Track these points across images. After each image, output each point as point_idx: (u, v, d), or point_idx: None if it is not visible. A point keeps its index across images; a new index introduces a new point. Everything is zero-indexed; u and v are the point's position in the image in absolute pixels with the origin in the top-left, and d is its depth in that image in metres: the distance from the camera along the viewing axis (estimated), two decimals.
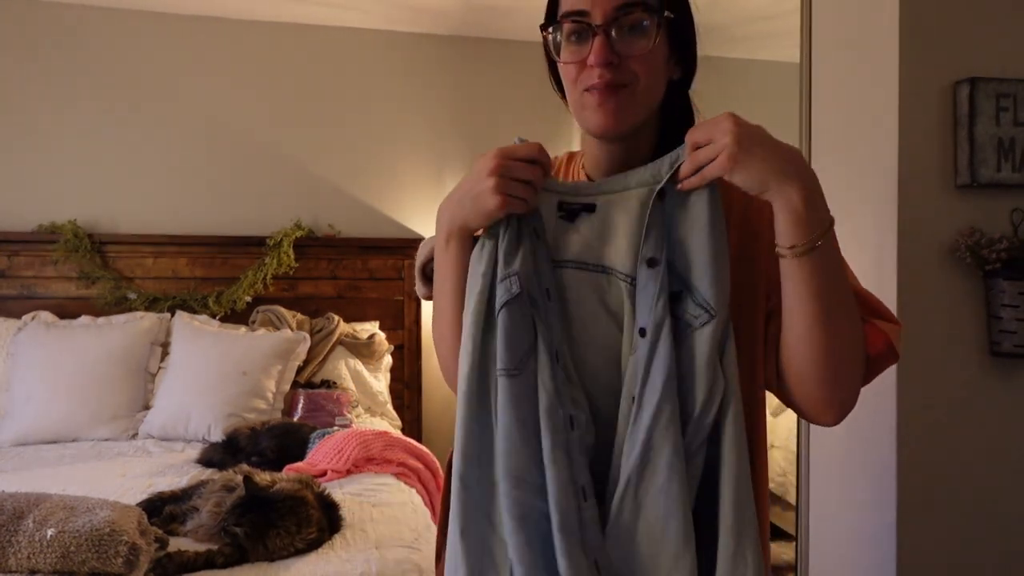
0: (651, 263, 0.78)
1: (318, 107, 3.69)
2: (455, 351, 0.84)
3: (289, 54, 3.66)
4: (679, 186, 0.79)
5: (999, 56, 1.66)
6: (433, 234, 0.94)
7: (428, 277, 0.93)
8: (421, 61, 3.79)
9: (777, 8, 3.36)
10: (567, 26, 0.85)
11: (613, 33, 0.82)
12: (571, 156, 1.01)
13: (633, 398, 0.77)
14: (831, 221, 0.78)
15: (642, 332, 0.77)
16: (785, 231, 0.76)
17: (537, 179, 0.80)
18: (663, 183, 0.80)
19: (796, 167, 0.75)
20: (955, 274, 1.65)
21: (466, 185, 0.82)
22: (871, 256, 1.69)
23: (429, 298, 0.96)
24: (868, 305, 0.87)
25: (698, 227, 0.79)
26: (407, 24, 3.70)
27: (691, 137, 0.78)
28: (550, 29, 0.87)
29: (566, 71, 0.87)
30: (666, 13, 0.84)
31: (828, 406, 0.84)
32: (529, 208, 0.80)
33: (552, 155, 0.98)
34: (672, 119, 0.91)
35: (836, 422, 0.86)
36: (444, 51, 3.81)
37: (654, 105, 0.87)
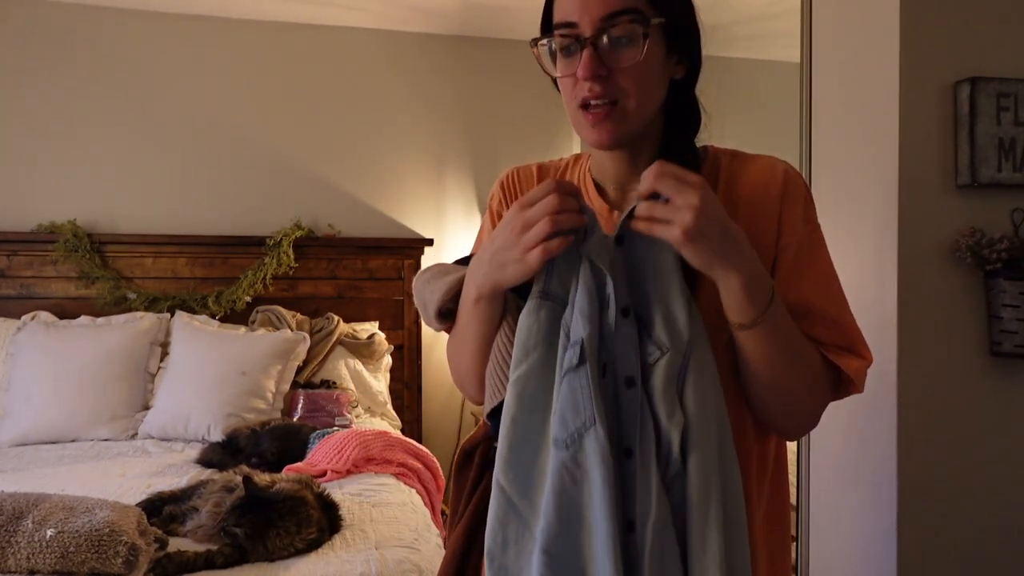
0: (625, 312, 0.78)
1: (318, 107, 3.69)
2: (474, 376, 0.89)
3: (289, 54, 3.66)
4: (631, 223, 0.76)
5: (1000, 56, 1.66)
6: (435, 260, 0.93)
7: (442, 314, 0.92)
8: (421, 61, 3.79)
9: (777, 8, 3.36)
10: (558, 39, 0.83)
11: (603, 43, 0.80)
12: (577, 159, 1.00)
13: (629, 450, 0.76)
14: (771, 296, 0.78)
15: (630, 382, 0.77)
16: (729, 309, 0.79)
17: (567, 217, 0.75)
18: (619, 228, 0.79)
19: (739, 252, 0.76)
20: (956, 274, 1.65)
21: (498, 245, 0.78)
22: (871, 256, 1.69)
23: (444, 330, 0.95)
24: (844, 338, 0.87)
25: (650, 268, 0.79)
26: (407, 24, 3.69)
27: (655, 182, 0.74)
28: (543, 41, 0.85)
29: (562, 84, 0.86)
30: (655, 21, 0.81)
31: (787, 431, 0.91)
32: (568, 243, 0.75)
33: (556, 157, 0.97)
34: (676, 119, 0.89)
35: (796, 439, 0.90)
36: (444, 51, 3.81)
37: (652, 112, 0.86)
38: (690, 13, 0.87)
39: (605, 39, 0.80)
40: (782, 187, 0.87)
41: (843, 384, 0.87)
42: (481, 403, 0.90)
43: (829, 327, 0.86)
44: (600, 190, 0.93)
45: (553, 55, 0.84)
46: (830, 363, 0.86)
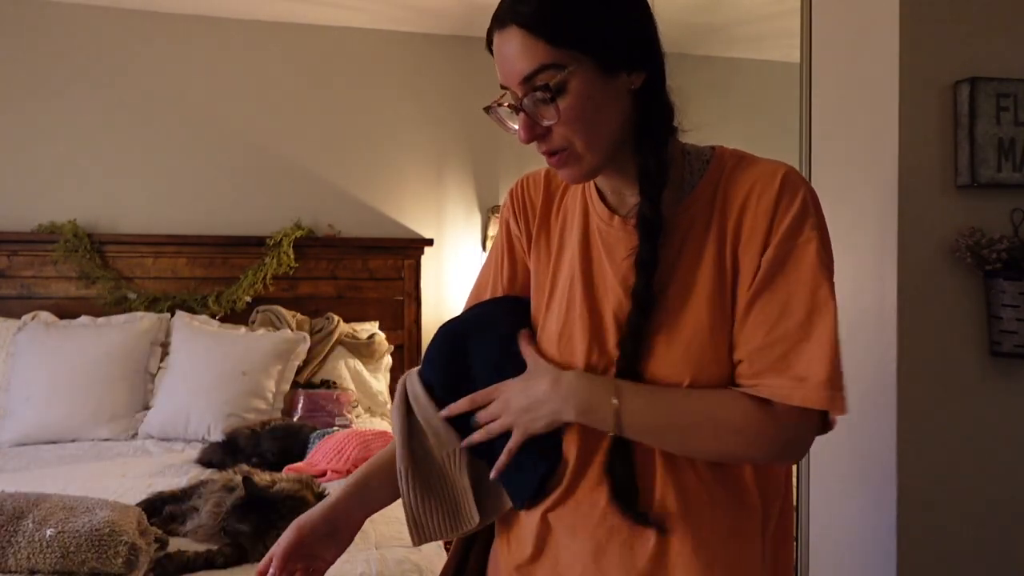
0: None
1: (318, 107, 3.69)
2: None
3: (289, 54, 3.66)
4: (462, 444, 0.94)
5: (999, 56, 1.66)
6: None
7: None
8: (422, 61, 3.79)
9: (777, 8, 3.36)
10: (504, 104, 0.85)
11: (530, 103, 0.81)
12: None
13: None
14: (615, 408, 0.83)
15: None
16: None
17: None
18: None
19: (560, 398, 0.86)
20: (955, 274, 1.65)
21: None
22: (871, 256, 1.69)
23: None
24: (789, 363, 0.79)
25: None
26: (408, 24, 3.69)
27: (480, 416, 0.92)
28: (494, 107, 0.87)
29: None
30: (570, 68, 0.78)
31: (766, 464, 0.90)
32: None
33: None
34: (647, 123, 0.85)
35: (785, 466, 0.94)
36: (445, 51, 3.81)
37: (610, 139, 0.83)
38: (628, 23, 0.82)
39: (529, 101, 0.81)
40: (776, 197, 0.81)
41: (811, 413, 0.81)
42: None
43: (777, 356, 0.79)
44: (603, 197, 0.94)
45: (513, 109, 0.85)
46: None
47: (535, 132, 0.82)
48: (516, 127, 0.85)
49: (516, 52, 0.80)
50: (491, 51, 0.86)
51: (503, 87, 0.84)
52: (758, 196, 0.83)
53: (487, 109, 0.88)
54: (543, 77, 0.79)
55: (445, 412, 0.94)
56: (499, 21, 0.83)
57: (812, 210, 0.82)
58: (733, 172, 0.86)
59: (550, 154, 0.84)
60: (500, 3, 0.84)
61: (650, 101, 0.85)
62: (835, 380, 0.77)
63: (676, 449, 0.84)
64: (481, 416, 0.91)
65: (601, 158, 0.84)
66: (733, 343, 0.83)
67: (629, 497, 0.84)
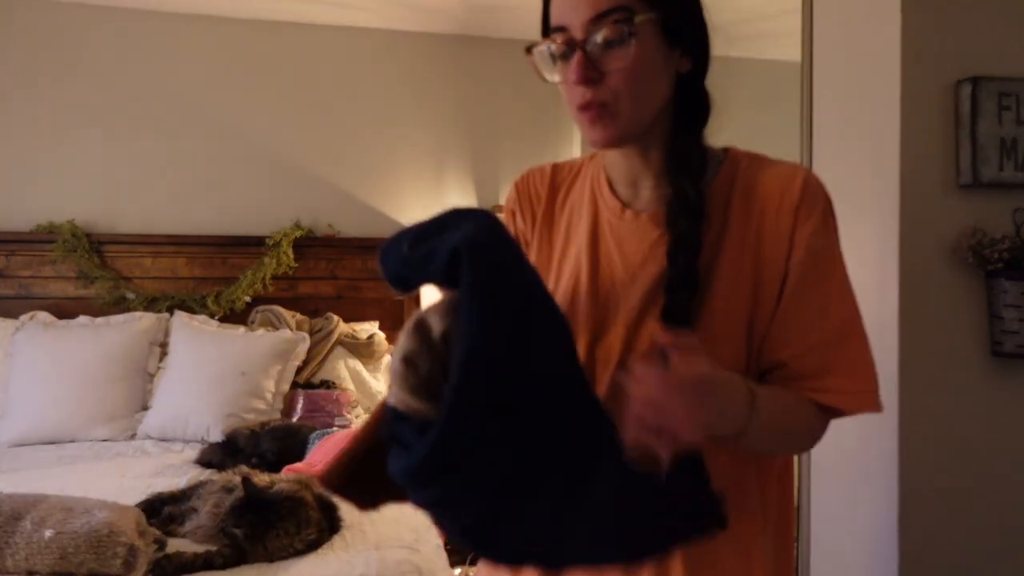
0: None
1: (318, 107, 3.68)
2: None
3: (289, 54, 3.66)
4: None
5: (1001, 55, 1.65)
6: None
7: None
8: (422, 60, 3.79)
9: (777, 8, 3.36)
10: (554, 44, 0.83)
11: (594, 45, 0.80)
12: (592, 157, 0.99)
13: None
14: (747, 416, 0.75)
15: None
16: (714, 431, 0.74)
17: None
18: None
19: (721, 409, 0.73)
20: (957, 274, 1.64)
21: None
22: (873, 256, 1.69)
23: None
24: (833, 362, 0.83)
25: None
26: (408, 23, 3.69)
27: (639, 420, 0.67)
28: (540, 46, 0.84)
29: (561, 88, 0.86)
30: (640, 18, 0.79)
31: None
32: None
33: (554, 156, 0.97)
34: (684, 113, 0.87)
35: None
36: (445, 50, 3.81)
37: (652, 110, 0.84)
38: (692, 4, 0.86)
39: (595, 41, 0.80)
40: (799, 199, 0.83)
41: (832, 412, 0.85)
42: None
43: (821, 356, 0.83)
44: (612, 187, 0.92)
45: (554, 58, 0.84)
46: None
47: (589, 75, 0.80)
48: (552, 77, 0.84)
49: None
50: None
51: (557, 29, 0.82)
52: (779, 197, 0.84)
53: (528, 49, 0.85)
54: (618, 16, 0.79)
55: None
56: None
57: (832, 212, 0.86)
58: (750, 170, 0.87)
59: (590, 107, 0.82)
60: None
61: (690, 92, 0.87)
62: (877, 382, 0.84)
63: (766, 448, 0.84)
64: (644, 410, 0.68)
65: (638, 126, 0.84)
66: (768, 343, 0.84)
67: None
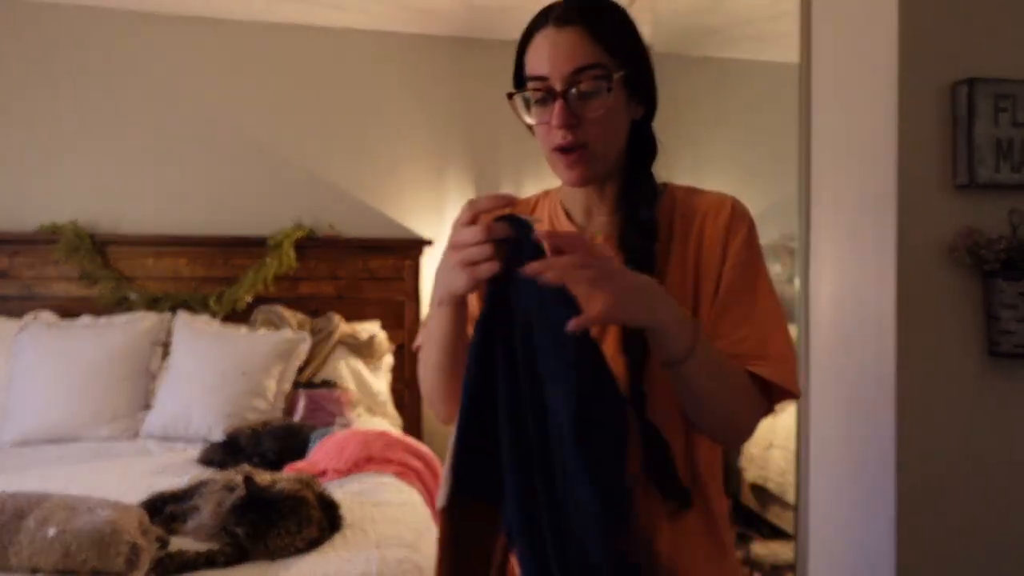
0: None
1: (319, 108, 3.70)
2: (437, 391, 0.98)
3: (290, 55, 3.67)
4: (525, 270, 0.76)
5: (998, 57, 1.66)
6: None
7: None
8: (422, 62, 3.80)
9: (777, 8, 3.36)
10: (532, 92, 0.93)
11: (572, 94, 0.90)
12: (547, 193, 1.10)
13: None
14: (694, 340, 0.84)
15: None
16: (657, 350, 0.86)
17: (495, 233, 0.80)
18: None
19: (660, 296, 0.83)
20: (954, 274, 1.65)
21: (444, 258, 0.86)
22: (870, 256, 1.70)
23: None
24: (765, 347, 0.94)
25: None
26: (408, 25, 3.70)
27: (565, 243, 0.78)
28: (519, 94, 0.94)
29: (536, 130, 0.96)
30: (617, 75, 0.90)
31: (725, 442, 1.00)
32: (494, 269, 0.80)
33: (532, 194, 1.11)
34: (637, 153, 1.00)
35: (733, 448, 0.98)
36: (445, 52, 3.82)
37: (617, 152, 0.97)
38: (647, 59, 0.98)
39: (574, 91, 0.90)
40: (729, 219, 0.97)
41: (774, 392, 0.94)
42: (449, 421, 0.95)
43: (755, 342, 0.94)
44: (569, 216, 1.04)
45: (528, 104, 0.94)
46: (754, 376, 0.93)
47: (569, 121, 0.90)
48: (530, 120, 0.95)
49: (575, 46, 0.90)
50: (522, 48, 0.95)
51: (535, 79, 0.92)
52: (714, 217, 0.98)
53: (510, 95, 0.95)
54: (595, 72, 0.90)
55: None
56: (560, 20, 0.92)
57: (754, 230, 1.00)
58: (687, 198, 1.01)
59: (569, 149, 0.92)
60: (558, 6, 0.94)
61: (641, 134, 1.01)
62: (796, 370, 0.96)
63: (713, 393, 0.89)
64: (561, 262, 0.76)
65: (608, 165, 0.96)
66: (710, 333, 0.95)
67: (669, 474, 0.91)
